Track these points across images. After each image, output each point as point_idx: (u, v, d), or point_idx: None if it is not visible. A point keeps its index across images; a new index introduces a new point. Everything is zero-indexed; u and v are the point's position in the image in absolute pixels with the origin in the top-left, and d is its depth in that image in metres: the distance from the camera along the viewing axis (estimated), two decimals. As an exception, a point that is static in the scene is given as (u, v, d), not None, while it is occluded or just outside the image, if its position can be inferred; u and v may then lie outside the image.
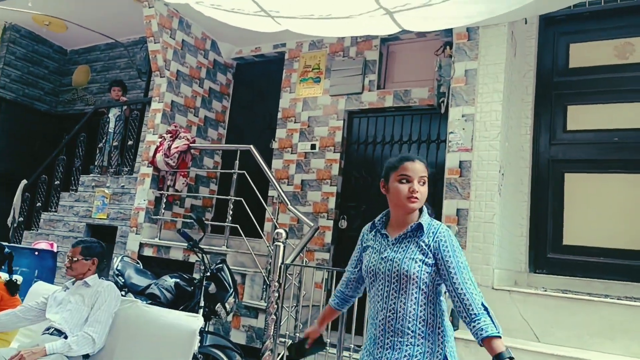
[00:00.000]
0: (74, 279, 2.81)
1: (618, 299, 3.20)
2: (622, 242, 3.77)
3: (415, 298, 1.60)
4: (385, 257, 1.66)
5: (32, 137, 7.47)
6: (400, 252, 1.64)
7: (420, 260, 1.60)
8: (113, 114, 6.35)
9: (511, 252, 3.97)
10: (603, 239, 3.84)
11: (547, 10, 3.96)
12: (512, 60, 3.92)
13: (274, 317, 3.44)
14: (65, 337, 2.53)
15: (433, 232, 1.64)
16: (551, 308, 3.23)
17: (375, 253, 1.71)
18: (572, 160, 4.10)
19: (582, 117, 4.11)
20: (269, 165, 5.14)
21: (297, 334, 3.55)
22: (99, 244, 2.88)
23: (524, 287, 3.73)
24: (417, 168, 1.68)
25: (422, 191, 1.67)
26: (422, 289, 1.60)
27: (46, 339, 2.49)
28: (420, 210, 1.71)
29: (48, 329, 2.61)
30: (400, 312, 1.60)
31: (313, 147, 5.35)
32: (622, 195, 3.84)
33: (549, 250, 4.04)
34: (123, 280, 3.66)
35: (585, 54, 4.19)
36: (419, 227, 1.66)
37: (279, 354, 3.54)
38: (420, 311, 1.60)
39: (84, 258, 2.75)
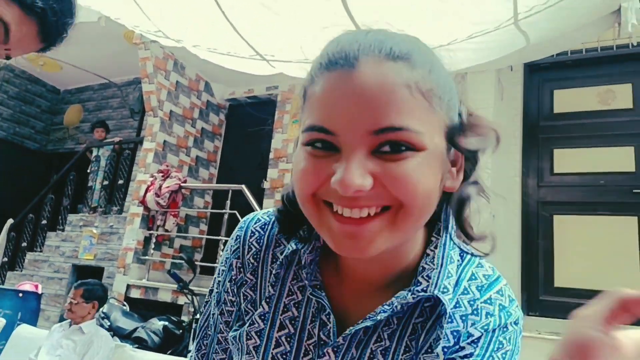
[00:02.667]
0: (71, 322, 2.73)
1: (612, 343, 3.18)
2: (610, 283, 3.76)
3: None
4: None
5: (21, 175, 7.41)
6: None
7: None
8: (102, 153, 6.36)
9: (503, 294, 3.95)
10: (592, 280, 3.85)
11: (531, 59, 4.11)
12: (499, 105, 4.04)
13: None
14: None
15: (477, 325, 0.56)
16: (546, 351, 3.20)
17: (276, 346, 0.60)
18: (560, 203, 4.17)
19: (569, 160, 4.21)
20: (261, 205, 5.13)
21: None
22: (101, 287, 2.83)
23: (517, 330, 3.70)
24: (366, 97, 0.48)
25: (398, 175, 0.49)
26: None
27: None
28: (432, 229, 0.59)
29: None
30: None
31: (304, 187, 5.37)
32: (609, 237, 3.89)
33: (542, 292, 4.04)
34: (109, 324, 3.57)
35: (569, 100, 4.34)
36: (435, 302, 0.56)
37: None
38: None
39: (85, 301, 2.68)
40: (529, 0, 2.46)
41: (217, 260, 4.68)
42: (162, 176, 5.28)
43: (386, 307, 0.54)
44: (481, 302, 0.57)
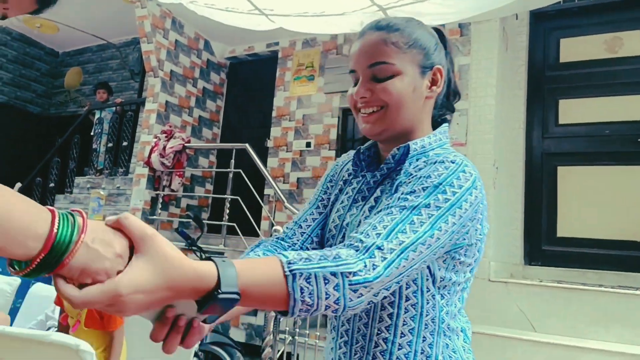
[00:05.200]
0: None
1: (612, 288, 3.26)
2: (614, 233, 3.83)
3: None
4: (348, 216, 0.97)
5: (25, 139, 7.44)
6: (359, 209, 0.95)
7: None
8: (104, 115, 6.35)
9: (506, 245, 4.02)
10: (596, 230, 3.90)
11: (537, 6, 4.01)
12: (504, 55, 3.97)
13: (273, 314, 3.47)
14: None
15: (421, 162, 0.88)
16: (547, 298, 3.28)
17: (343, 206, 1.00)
18: (564, 154, 4.16)
19: (574, 110, 4.17)
20: (265, 164, 5.16)
21: (297, 330, 3.58)
22: None
23: (520, 278, 3.79)
24: (368, 51, 0.90)
25: (383, 91, 0.89)
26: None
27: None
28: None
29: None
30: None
31: (308, 145, 5.37)
32: (613, 187, 3.90)
33: (544, 242, 4.10)
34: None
35: (576, 49, 4.25)
36: (404, 154, 0.92)
37: (279, 351, 3.57)
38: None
39: None
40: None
41: (223, 219, 4.76)
42: (166, 137, 5.28)
43: (385, 162, 0.94)
44: (430, 153, 0.91)
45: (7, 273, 3.69)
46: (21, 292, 3.34)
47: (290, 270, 0.65)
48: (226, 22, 4.26)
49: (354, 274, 0.67)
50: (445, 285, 0.87)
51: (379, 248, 0.71)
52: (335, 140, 5.21)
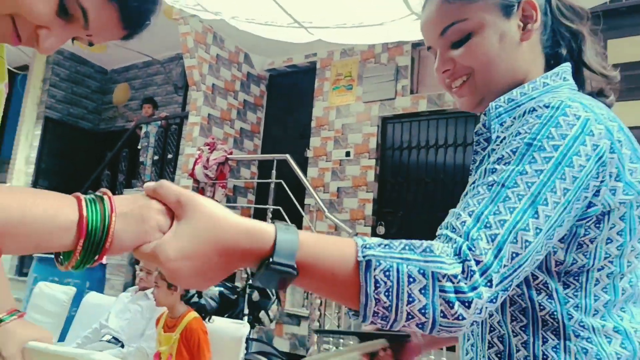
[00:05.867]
0: (137, 288, 2.87)
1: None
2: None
3: None
4: None
5: (77, 154, 7.79)
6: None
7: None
8: (150, 129, 6.57)
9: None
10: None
11: (583, 7, 3.90)
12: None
13: (317, 324, 3.48)
14: (122, 347, 2.62)
15: (509, 119, 0.72)
16: None
17: None
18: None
19: (624, 114, 4.00)
20: (305, 174, 5.21)
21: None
22: None
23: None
24: (435, 17, 0.78)
25: (464, 55, 0.76)
26: None
27: (103, 346, 2.59)
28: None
29: (104, 335, 2.71)
30: None
31: (348, 154, 5.39)
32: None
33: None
34: (169, 290, 3.77)
35: (624, 50, 4.09)
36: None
37: (322, 360, 3.58)
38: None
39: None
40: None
41: (265, 229, 4.81)
42: (209, 149, 5.42)
43: (476, 133, 0.76)
44: (531, 104, 0.67)
45: (63, 282, 3.87)
46: (76, 301, 3.49)
47: (364, 256, 0.52)
48: (266, 36, 4.35)
49: (448, 278, 0.51)
50: (569, 271, 0.65)
51: (470, 247, 0.53)
52: (375, 149, 5.20)
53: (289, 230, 0.52)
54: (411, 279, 0.51)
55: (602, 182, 0.61)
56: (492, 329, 0.70)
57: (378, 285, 0.51)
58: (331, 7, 3.37)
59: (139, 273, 2.83)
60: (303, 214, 4.95)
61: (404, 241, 0.54)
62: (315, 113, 5.75)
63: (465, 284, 0.51)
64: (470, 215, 0.56)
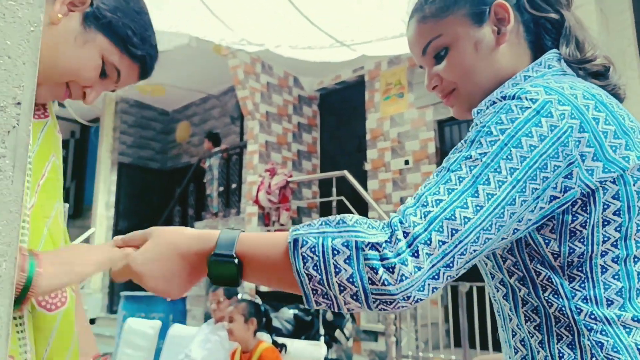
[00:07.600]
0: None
1: None
2: None
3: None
4: None
5: (150, 194, 8.26)
6: None
7: None
8: (213, 162, 6.86)
9: None
10: None
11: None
12: (606, 40, 3.66)
13: (394, 339, 3.44)
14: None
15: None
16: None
17: None
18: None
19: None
20: (365, 187, 5.20)
21: (420, 354, 3.51)
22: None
23: None
24: (414, 39, 0.82)
25: (445, 70, 0.78)
26: None
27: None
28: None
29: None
30: None
31: (407, 162, 5.33)
32: None
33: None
34: (246, 316, 3.88)
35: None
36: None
37: (404, 375, 3.52)
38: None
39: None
40: None
41: (333, 246, 4.84)
42: (270, 174, 5.56)
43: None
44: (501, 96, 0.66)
45: (149, 317, 4.08)
46: (162, 333, 3.67)
47: (293, 237, 0.56)
48: (311, 59, 4.44)
49: (372, 246, 0.53)
50: (571, 263, 0.63)
51: (401, 220, 0.55)
52: (434, 154, 5.11)
53: (232, 231, 0.61)
54: (335, 251, 0.54)
55: (571, 163, 0.59)
56: (514, 333, 0.70)
57: (306, 260, 0.54)
58: (368, 23, 3.40)
59: (210, 305, 2.93)
60: (368, 228, 4.92)
61: (323, 218, 0.58)
62: (369, 125, 5.75)
63: (390, 251, 0.53)
64: (414, 198, 0.58)
